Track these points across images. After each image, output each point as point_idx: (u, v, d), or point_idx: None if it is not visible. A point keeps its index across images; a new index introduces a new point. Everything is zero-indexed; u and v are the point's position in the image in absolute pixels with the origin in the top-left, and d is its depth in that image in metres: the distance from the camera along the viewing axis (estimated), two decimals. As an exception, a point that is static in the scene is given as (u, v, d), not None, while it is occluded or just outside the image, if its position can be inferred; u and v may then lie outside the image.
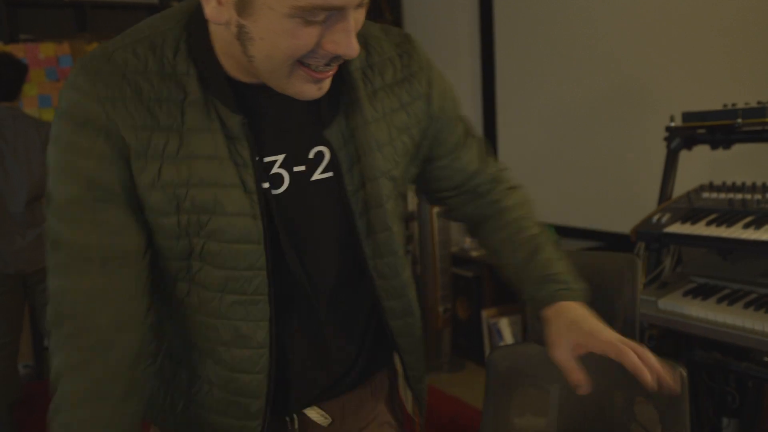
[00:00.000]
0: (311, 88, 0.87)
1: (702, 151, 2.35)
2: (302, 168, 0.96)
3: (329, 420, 1.10)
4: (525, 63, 4.10)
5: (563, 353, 1.01)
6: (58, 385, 0.89)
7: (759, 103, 2.11)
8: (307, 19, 0.79)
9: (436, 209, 3.56)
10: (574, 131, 3.79)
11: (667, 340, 2.15)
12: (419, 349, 1.16)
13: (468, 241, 4.13)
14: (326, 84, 0.89)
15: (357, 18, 0.84)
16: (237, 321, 0.96)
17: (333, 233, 1.00)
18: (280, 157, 0.95)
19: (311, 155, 0.96)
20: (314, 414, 1.09)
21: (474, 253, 3.99)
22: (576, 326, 1.01)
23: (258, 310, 0.95)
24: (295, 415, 1.08)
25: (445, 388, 3.62)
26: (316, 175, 0.97)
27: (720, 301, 1.97)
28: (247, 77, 0.91)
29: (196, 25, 0.90)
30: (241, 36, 0.82)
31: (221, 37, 0.88)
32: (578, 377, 0.99)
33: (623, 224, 3.42)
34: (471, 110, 4.64)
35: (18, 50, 3.84)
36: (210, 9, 0.82)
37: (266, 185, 0.93)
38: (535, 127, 4.07)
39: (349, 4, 0.80)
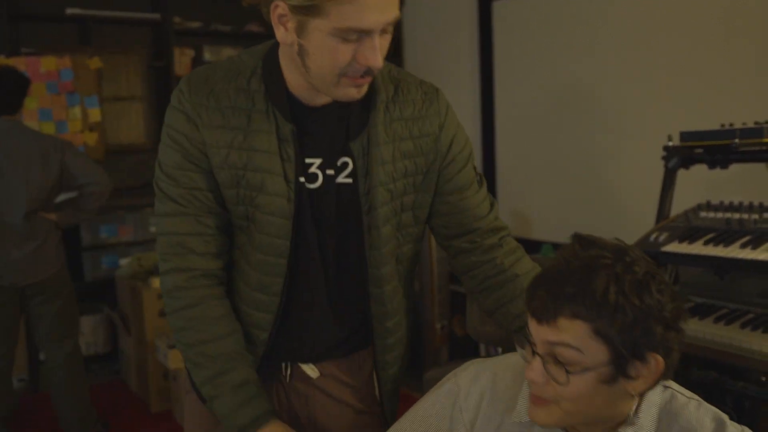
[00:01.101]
0: (352, 91, 1.18)
1: (699, 170, 2.36)
2: (332, 171, 1.27)
3: (317, 373, 1.39)
4: (522, 81, 4.12)
5: None
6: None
7: (756, 123, 2.12)
8: (344, 38, 1.09)
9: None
10: (571, 149, 3.80)
11: (665, 359, 2.14)
12: (395, 343, 1.40)
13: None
14: (364, 89, 1.19)
15: (382, 43, 1.13)
16: (261, 275, 1.29)
17: (345, 225, 1.30)
18: (318, 161, 1.26)
19: (339, 163, 1.27)
20: (306, 367, 1.38)
21: (472, 270, 4.00)
22: None
23: (278, 268, 1.28)
24: (288, 364, 1.38)
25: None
26: (340, 179, 1.28)
27: (717, 320, 1.97)
28: (304, 95, 1.24)
29: (271, 57, 1.26)
30: (301, 52, 1.14)
31: (288, 59, 1.21)
32: None
33: (632, 238, 3.43)
34: (470, 127, 4.65)
35: (19, 63, 3.86)
36: (280, 34, 1.16)
37: (302, 180, 1.25)
38: (532, 145, 4.08)
39: (374, 28, 1.09)
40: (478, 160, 4.52)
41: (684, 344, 1.04)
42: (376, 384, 1.43)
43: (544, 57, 3.95)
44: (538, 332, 1.03)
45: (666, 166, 2.36)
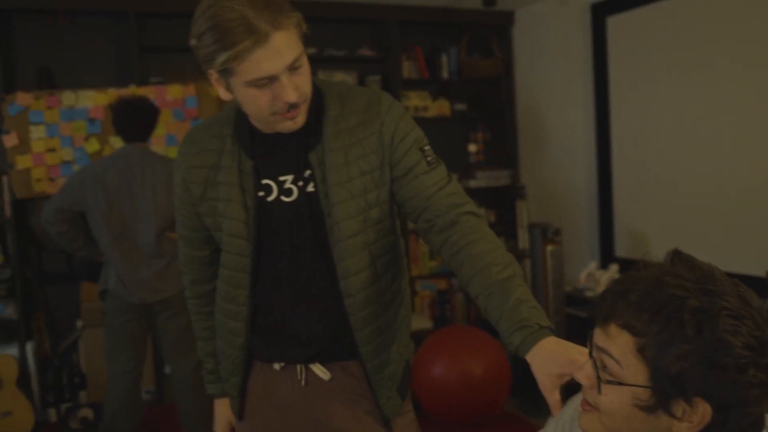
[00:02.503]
0: (289, 124, 1.39)
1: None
2: (302, 183, 1.46)
3: (329, 375, 1.53)
4: (639, 97, 3.98)
5: (546, 387, 1.16)
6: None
7: None
8: (258, 86, 1.30)
9: (549, 247, 3.48)
10: (699, 166, 3.63)
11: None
12: (379, 349, 1.51)
13: (583, 280, 4.00)
14: (300, 119, 1.39)
15: (297, 78, 1.32)
16: (229, 287, 1.53)
17: (315, 229, 1.46)
18: (290, 177, 1.46)
19: (306, 174, 1.45)
20: (317, 369, 1.54)
21: (588, 294, 3.87)
22: (554, 358, 1.16)
23: (243, 281, 1.50)
24: (302, 367, 1.54)
25: None
26: (309, 188, 1.46)
27: None
28: (269, 129, 1.43)
29: (241, 112, 1.45)
30: (239, 104, 1.38)
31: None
32: (555, 403, 1.17)
33: (757, 266, 3.23)
34: (583, 145, 4.53)
35: (149, 92, 4.10)
36: (221, 93, 1.38)
37: (273, 197, 1.46)
38: (650, 163, 3.92)
39: (276, 73, 1.29)
40: (592, 178, 4.40)
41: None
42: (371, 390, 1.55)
43: (662, 71, 3.80)
44: (596, 334, 1.01)
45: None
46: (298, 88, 1.32)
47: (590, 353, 1.03)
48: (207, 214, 1.51)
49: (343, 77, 4.83)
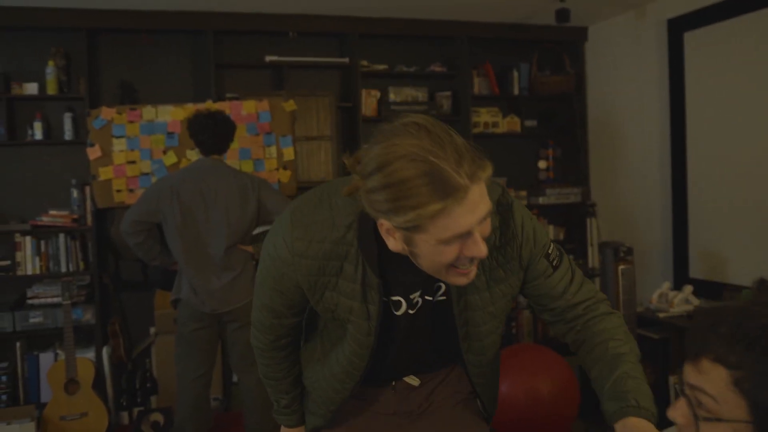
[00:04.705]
0: (462, 279, 1.26)
1: None
2: (430, 298, 1.44)
3: (418, 381, 1.60)
4: (717, 115, 3.87)
5: None
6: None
7: None
8: (448, 243, 1.17)
9: (620, 266, 3.40)
10: (777, 186, 3.50)
11: None
12: (486, 373, 1.59)
13: (654, 301, 3.90)
14: (472, 273, 1.26)
15: (483, 228, 1.20)
16: (352, 356, 1.49)
17: (440, 330, 1.51)
18: (418, 292, 1.43)
19: (434, 287, 1.44)
20: (408, 378, 1.59)
21: (661, 315, 3.76)
22: None
23: (363, 356, 1.47)
24: (394, 382, 1.60)
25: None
26: (437, 298, 1.45)
27: None
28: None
29: (366, 218, 1.29)
30: (411, 254, 1.24)
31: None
32: None
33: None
34: (658, 164, 4.43)
35: (224, 107, 4.21)
36: (390, 243, 1.24)
37: (400, 311, 1.44)
38: (732, 180, 3.80)
39: (471, 229, 1.16)
40: (666, 196, 4.29)
41: None
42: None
43: (741, 88, 3.69)
44: (686, 371, 0.98)
45: None
46: (484, 239, 1.21)
47: (682, 391, 1.00)
48: (323, 311, 1.45)
49: (414, 93, 4.86)
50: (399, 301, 1.43)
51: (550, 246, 1.46)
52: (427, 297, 1.44)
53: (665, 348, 3.66)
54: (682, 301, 3.82)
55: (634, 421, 1.24)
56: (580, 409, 3.66)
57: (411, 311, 1.45)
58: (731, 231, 3.81)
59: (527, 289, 1.49)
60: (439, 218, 1.12)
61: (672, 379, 3.55)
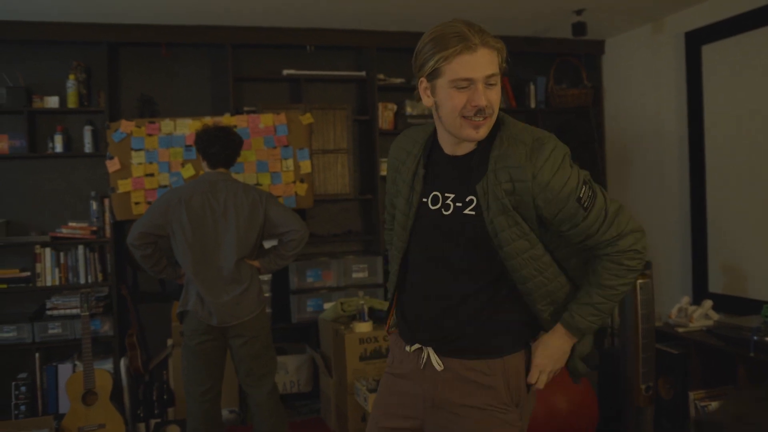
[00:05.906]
0: (473, 132, 1.63)
1: None
2: (460, 204, 1.71)
3: (441, 367, 1.75)
4: (736, 128, 3.83)
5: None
6: None
7: None
8: (458, 87, 1.59)
9: (639, 280, 3.37)
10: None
11: None
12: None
13: (674, 316, 3.86)
14: (482, 131, 1.63)
15: (489, 93, 1.60)
16: (392, 262, 1.88)
17: (471, 243, 1.71)
18: (452, 195, 1.72)
19: (467, 199, 1.70)
20: (433, 358, 1.76)
21: (680, 329, 3.72)
22: (536, 346, 1.79)
23: (397, 258, 1.84)
24: (427, 352, 1.77)
25: (645, 474, 3.35)
26: (467, 211, 1.70)
27: None
28: (448, 148, 1.74)
29: (432, 137, 1.81)
30: (437, 107, 1.67)
31: (437, 124, 1.74)
32: (530, 380, 1.81)
33: None
34: (676, 176, 4.40)
35: (241, 121, 4.25)
36: (426, 101, 1.69)
37: (435, 207, 1.75)
38: (752, 194, 3.76)
39: (475, 78, 1.57)
40: (685, 210, 4.26)
41: None
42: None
43: (760, 101, 3.66)
44: None
45: None
46: (488, 99, 1.59)
47: None
48: (394, 194, 1.89)
49: (430, 106, 4.85)
50: (436, 195, 1.74)
51: (581, 190, 1.65)
52: (458, 204, 1.70)
53: (684, 363, 3.62)
54: (702, 316, 3.78)
55: (555, 328, 1.74)
56: (598, 428, 3.62)
57: (445, 212, 1.72)
58: (751, 245, 3.77)
59: (560, 231, 1.68)
60: (452, 62, 1.56)
61: (692, 396, 3.50)
